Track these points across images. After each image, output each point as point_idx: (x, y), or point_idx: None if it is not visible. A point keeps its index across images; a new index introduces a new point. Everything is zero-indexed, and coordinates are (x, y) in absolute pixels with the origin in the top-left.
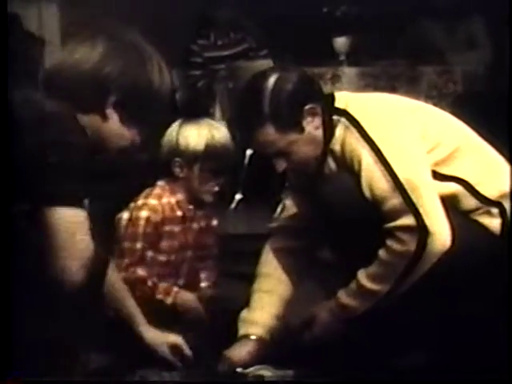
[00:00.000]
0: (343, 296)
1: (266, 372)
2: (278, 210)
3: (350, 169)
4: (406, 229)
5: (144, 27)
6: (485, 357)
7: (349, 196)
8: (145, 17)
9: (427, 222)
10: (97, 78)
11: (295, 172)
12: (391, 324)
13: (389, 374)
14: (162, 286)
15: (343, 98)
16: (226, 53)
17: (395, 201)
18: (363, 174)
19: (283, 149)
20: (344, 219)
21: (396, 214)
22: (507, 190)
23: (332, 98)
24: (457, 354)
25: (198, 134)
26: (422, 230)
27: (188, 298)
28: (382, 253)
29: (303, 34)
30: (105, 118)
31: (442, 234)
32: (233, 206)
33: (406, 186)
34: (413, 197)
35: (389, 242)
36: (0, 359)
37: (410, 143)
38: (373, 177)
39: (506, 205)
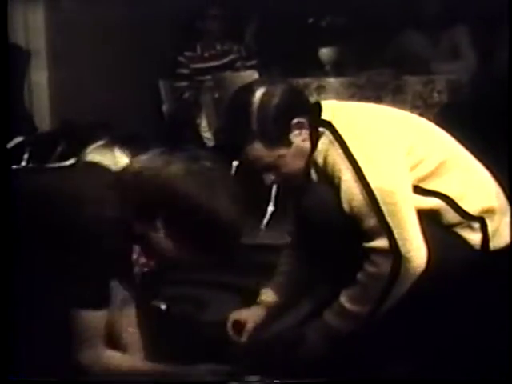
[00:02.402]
0: (329, 317)
1: None
2: (264, 221)
3: (330, 182)
4: (379, 251)
5: (131, 39)
6: (473, 366)
7: (329, 208)
8: (132, 28)
9: (401, 245)
10: (160, 192)
11: (283, 184)
12: (378, 338)
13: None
14: None
15: (330, 108)
16: (212, 64)
17: (371, 221)
18: (342, 190)
19: (271, 163)
20: (324, 231)
21: (372, 234)
22: (490, 205)
23: (319, 107)
24: (442, 365)
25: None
26: (395, 254)
27: None
28: (359, 275)
29: (288, 45)
30: (155, 229)
31: (416, 256)
32: None
33: (384, 205)
34: (389, 218)
35: (365, 265)
36: (0, 359)
37: (392, 159)
38: (351, 194)
39: (488, 220)
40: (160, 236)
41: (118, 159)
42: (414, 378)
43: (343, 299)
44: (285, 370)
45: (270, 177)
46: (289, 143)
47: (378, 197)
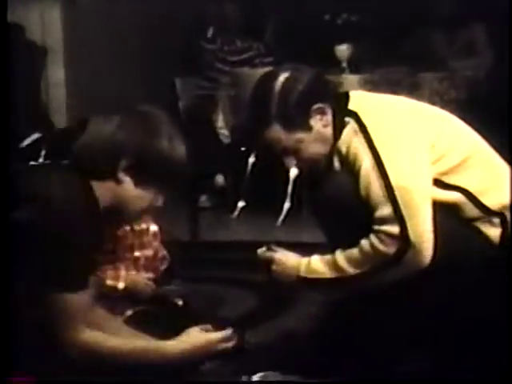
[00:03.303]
0: (316, 261)
1: (273, 378)
2: (281, 217)
3: (351, 170)
4: (390, 235)
5: (147, 35)
6: (485, 362)
7: (349, 197)
8: (148, 25)
9: (412, 234)
10: (109, 146)
11: (304, 169)
12: (390, 330)
13: (388, 379)
14: (110, 272)
15: (357, 99)
16: (231, 59)
17: (385, 209)
18: (361, 177)
19: (291, 147)
20: (341, 217)
21: (385, 221)
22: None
23: (346, 97)
24: (456, 359)
25: None
26: (404, 240)
27: (138, 278)
28: (364, 242)
29: (305, 42)
30: (118, 182)
31: (424, 249)
32: (235, 213)
33: (400, 198)
34: (404, 210)
35: (372, 238)
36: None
37: (414, 152)
38: (369, 181)
39: (509, 215)
40: (130, 188)
41: None
42: (425, 373)
43: (338, 255)
44: (295, 367)
45: (291, 161)
46: (309, 128)
47: (395, 187)
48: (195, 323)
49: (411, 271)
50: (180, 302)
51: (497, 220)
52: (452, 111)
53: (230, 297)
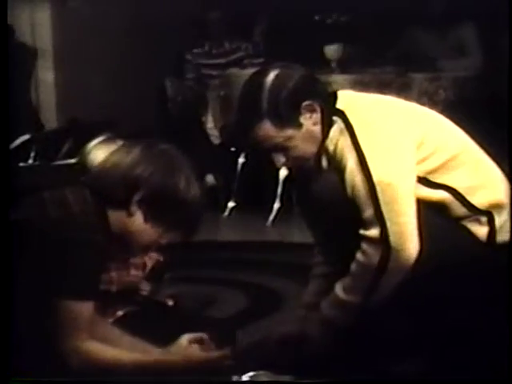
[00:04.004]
0: (326, 308)
1: (264, 378)
2: (271, 217)
3: (338, 170)
4: (370, 241)
5: (137, 36)
6: (476, 358)
7: (336, 195)
8: (138, 26)
9: (392, 236)
10: (127, 176)
11: (293, 168)
12: (384, 331)
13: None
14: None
15: (345, 98)
16: (219, 61)
17: (369, 211)
18: (347, 178)
19: (281, 144)
20: (330, 216)
21: (368, 224)
22: (499, 199)
23: (335, 96)
24: (447, 357)
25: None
26: (384, 245)
27: (129, 279)
28: (352, 265)
29: (294, 42)
30: (130, 213)
31: (405, 249)
32: (226, 213)
33: (382, 197)
34: (385, 209)
35: (357, 255)
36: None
37: (399, 152)
38: (354, 182)
39: (496, 214)
40: (139, 222)
41: None
42: (417, 375)
43: (338, 289)
44: (287, 367)
45: (280, 158)
46: (299, 125)
47: (378, 188)
48: (186, 324)
49: (401, 273)
50: (170, 303)
51: (484, 219)
52: (441, 112)
53: (220, 297)
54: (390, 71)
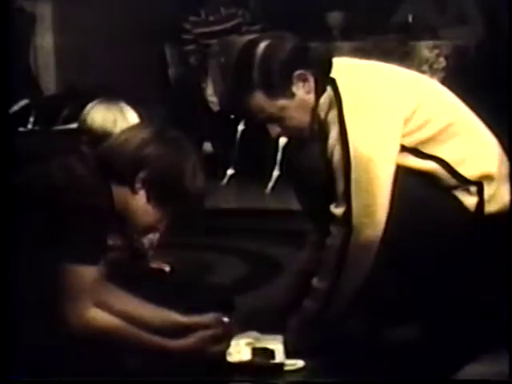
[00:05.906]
0: (309, 303)
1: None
2: (270, 185)
3: (324, 140)
4: (336, 220)
5: (136, 3)
6: (468, 329)
7: (322, 166)
8: None
9: (356, 214)
10: (135, 154)
11: (290, 138)
12: (379, 298)
13: (381, 347)
14: None
15: (339, 66)
16: (217, 28)
17: (340, 187)
18: (328, 150)
19: (275, 114)
20: (314, 187)
21: (338, 200)
22: (490, 170)
23: (329, 64)
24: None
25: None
26: (346, 224)
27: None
28: (323, 251)
29: (296, 9)
30: (133, 191)
31: (368, 228)
32: (224, 181)
33: (355, 172)
34: (354, 185)
35: (327, 240)
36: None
37: (383, 126)
38: (332, 154)
39: (486, 185)
40: (142, 202)
41: (118, 121)
42: (413, 377)
43: (314, 280)
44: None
45: (275, 129)
46: (291, 95)
47: (353, 163)
48: (184, 290)
49: (366, 251)
50: (167, 269)
51: (474, 189)
52: (441, 80)
53: (218, 264)
54: (391, 39)
